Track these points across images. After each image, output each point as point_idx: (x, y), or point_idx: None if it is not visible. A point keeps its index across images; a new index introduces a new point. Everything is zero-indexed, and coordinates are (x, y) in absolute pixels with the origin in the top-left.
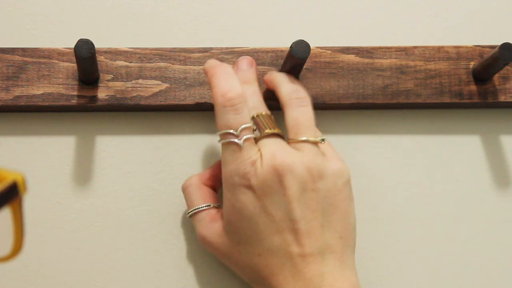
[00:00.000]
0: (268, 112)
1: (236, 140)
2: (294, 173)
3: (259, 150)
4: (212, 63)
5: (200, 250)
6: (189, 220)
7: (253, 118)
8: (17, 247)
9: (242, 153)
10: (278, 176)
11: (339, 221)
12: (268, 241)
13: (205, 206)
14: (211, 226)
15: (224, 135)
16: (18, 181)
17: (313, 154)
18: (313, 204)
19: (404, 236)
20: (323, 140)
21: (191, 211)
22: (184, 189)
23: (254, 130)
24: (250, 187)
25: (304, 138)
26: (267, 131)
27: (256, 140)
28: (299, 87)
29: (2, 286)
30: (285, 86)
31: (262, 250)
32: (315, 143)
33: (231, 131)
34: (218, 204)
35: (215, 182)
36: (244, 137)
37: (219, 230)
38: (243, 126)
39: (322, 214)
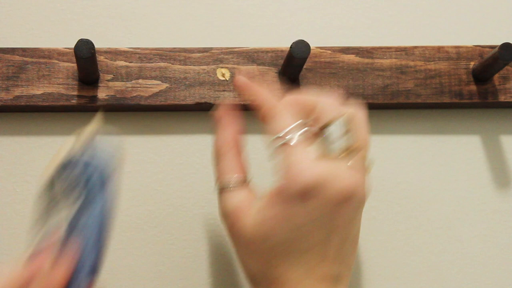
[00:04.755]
0: None
1: None
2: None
3: None
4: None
5: (200, 250)
6: (189, 220)
7: None
8: None
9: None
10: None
11: (354, 250)
12: (297, 254)
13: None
14: (247, 205)
15: None
16: None
17: None
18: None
19: (404, 236)
20: None
21: (232, 181)
22: (220, 149)
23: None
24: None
25: None
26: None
27: None
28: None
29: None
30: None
31: (288, 258)
32: None
33: None
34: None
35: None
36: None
37: (254, 215)
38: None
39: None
